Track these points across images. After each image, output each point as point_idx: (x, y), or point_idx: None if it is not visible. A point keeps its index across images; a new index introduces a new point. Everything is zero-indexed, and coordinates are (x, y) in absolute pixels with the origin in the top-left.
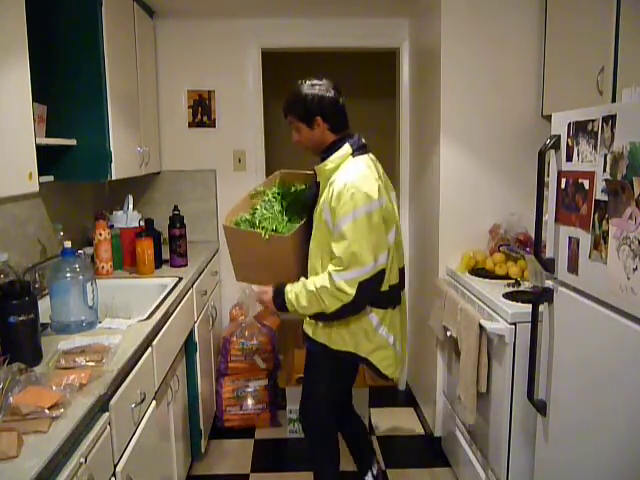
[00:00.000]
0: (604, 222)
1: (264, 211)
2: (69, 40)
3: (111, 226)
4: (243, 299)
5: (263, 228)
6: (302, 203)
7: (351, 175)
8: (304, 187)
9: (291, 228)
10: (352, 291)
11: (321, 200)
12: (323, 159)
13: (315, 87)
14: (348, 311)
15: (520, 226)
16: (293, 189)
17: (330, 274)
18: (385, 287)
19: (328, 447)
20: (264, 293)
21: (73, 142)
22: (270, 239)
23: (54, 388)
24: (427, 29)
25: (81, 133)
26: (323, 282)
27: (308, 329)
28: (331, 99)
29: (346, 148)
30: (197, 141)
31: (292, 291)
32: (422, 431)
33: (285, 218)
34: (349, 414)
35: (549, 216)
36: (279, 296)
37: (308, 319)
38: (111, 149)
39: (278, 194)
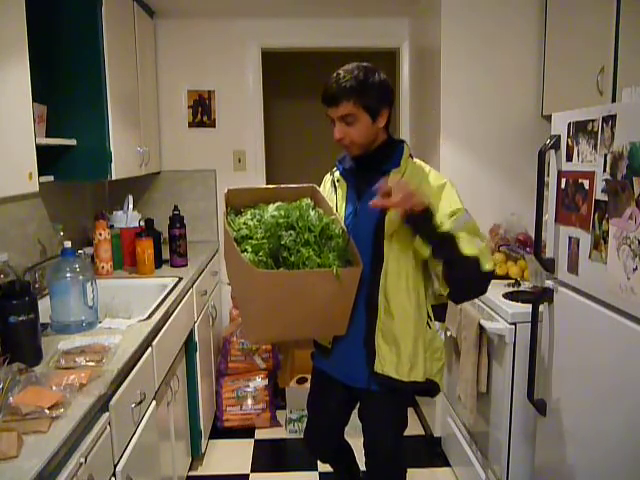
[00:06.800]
0: (604, 222)
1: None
2: (69, 40)
3: (111, 226)
4: None
5: (303, 265)
6: (308, 220)
7: (439, 174)
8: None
9: (342, 255)
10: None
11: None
12: (375, 159)
13: (381, 72)
14: (485, 285)
15: (520, 226)
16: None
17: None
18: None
19: None
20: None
21: (73, 142)
22: (341, 276)
23: (54, 388)
24: (427, 29)
25: (81, 133)
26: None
27: (401, 370)
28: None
29: (407, 150)
30: (197, 141)
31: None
32: (422, 431)
33: (316, 246)
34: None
35: (549, 216)
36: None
37: (406, 357)
38: (111, 149)
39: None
